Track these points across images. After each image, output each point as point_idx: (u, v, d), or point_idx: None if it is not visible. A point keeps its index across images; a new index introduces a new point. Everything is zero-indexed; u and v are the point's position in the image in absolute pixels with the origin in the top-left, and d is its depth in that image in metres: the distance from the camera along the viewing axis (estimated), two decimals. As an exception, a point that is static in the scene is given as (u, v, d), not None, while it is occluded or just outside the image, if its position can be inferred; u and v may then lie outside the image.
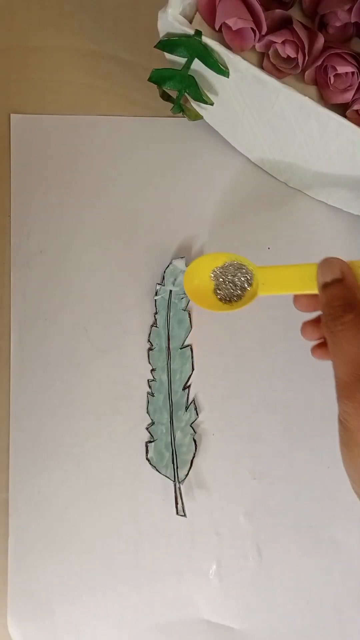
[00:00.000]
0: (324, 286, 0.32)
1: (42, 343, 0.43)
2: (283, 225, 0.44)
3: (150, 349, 0.43)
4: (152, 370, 0.43)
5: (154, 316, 0.43)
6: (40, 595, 0.41)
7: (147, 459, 0.42)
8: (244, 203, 0.44)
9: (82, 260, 0.44)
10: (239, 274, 0.36)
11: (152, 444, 0.42)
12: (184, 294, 0.43)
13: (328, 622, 0.41)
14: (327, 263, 0.32)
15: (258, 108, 0.37)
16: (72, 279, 0.43)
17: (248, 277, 0.35)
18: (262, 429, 0.43)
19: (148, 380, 0.43)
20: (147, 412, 0.43)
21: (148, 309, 0.44)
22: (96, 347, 0.43)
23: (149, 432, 0.42)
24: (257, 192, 0.45)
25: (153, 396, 0.43)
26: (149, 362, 0.43)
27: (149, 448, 0.42)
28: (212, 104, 0.38)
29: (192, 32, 0.34)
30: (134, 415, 0.43)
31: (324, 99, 0.37)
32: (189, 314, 0.43)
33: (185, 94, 0.38)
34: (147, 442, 0.42)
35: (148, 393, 0.43)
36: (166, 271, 0.43)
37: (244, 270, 0.36)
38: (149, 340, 0.43)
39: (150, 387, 0.43)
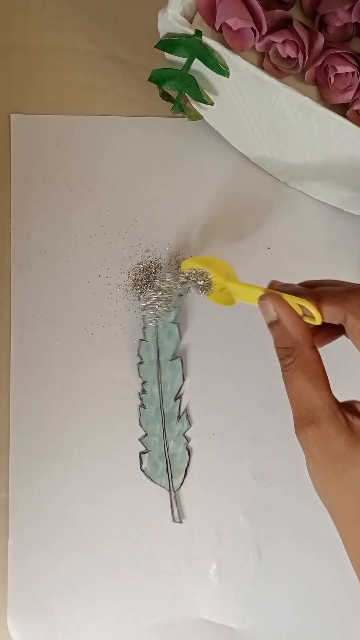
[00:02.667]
0: (267, 326, 0.32)
1: (42, 343, 0.43)
2: (283, 225, 0.44)
3: (140, 363, 0.43)
4: (143, 383, 0.43)
5: (142, 330, 0.43)
6: (40, 595, 0.41)
7: (142, 469, 0.42)
8: (244, 203, 0.44)
9: (82, 260, 0.44)
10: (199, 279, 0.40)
11: (146, 454, 0.42)
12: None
13: (328, 622, 0.41)
14: (262, 306, 0.32)
15: (258, 108, 0.37)
16: (72, 279, 0.43)
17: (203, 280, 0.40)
18: (261, 429, 0.43)
19: (139, 393, 0.43)
20: (140, 424, 0.42)
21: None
22: (96, 348, 0.43)
23: (143, 444, 0.42)
24: (257, 192, 0.45)
25: (145, 408, 0.43)
26: (139, 376, 0.43)
27: (143, 459, 0.42)
28: (212, 104, 0.38)
29: (192, 32, 0.34)
30: (133, 415, 0.43)
31: (324, 99, 0.38)
32: (178, 326, 0.43)
33: (185, 94, 0.38)
34: (140, 453, 0.42)
35: (140, 405, 0.43)
36: None
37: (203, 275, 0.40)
38: (138, 354, 0.43)
39: (141, 399, 0.43)
